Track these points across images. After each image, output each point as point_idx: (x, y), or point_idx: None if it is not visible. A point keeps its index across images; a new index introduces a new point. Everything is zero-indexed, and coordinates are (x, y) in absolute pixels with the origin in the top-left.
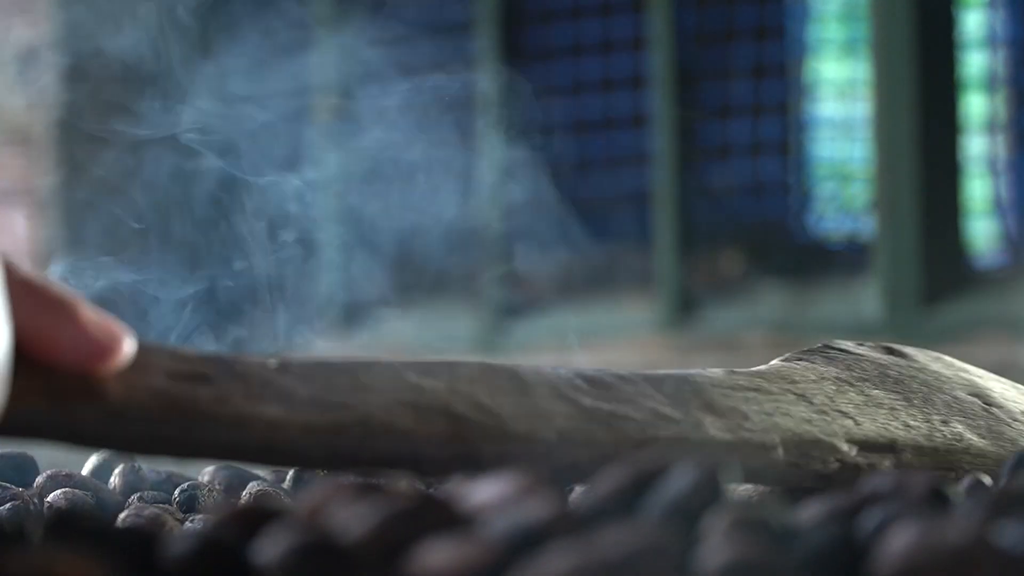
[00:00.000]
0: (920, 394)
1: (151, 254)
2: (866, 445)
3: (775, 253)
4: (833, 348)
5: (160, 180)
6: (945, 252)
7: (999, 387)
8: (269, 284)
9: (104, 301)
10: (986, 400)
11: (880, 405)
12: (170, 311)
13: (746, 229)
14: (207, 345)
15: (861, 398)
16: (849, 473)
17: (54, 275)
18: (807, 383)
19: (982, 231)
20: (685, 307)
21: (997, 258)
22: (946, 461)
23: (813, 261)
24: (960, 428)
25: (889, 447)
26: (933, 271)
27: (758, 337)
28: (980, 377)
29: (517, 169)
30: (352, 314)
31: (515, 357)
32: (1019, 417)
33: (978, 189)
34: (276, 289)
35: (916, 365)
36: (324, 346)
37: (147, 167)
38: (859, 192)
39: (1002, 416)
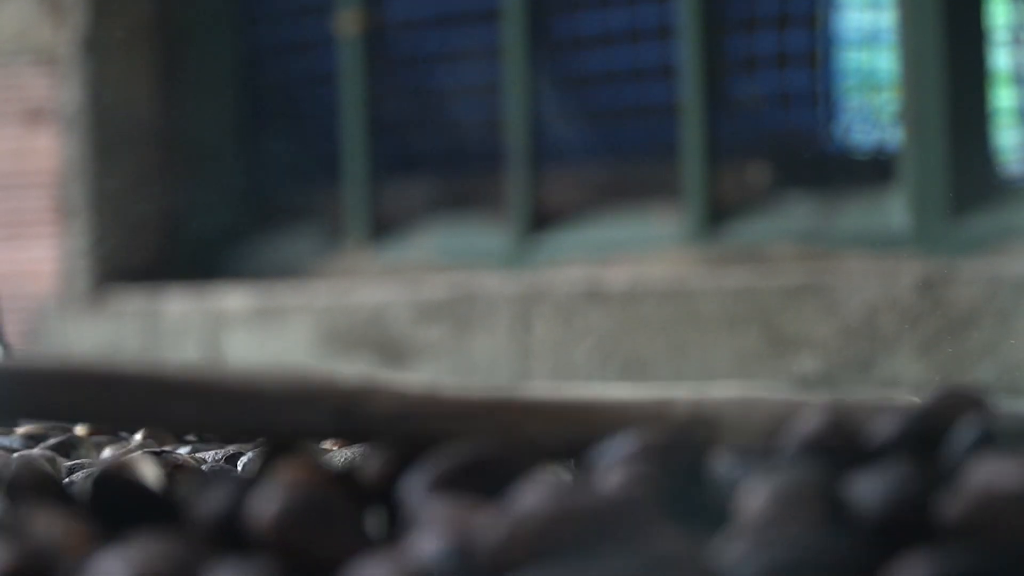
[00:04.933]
0: None
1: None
2: None
3: (802, 164)
4: None
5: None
6: (973, 162)
7: None
8: (296, 203)
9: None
10: None
11: None
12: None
13: (773, 140)
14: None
15: None
16: None
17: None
18: None
19: (1009, 141)
20: (713, 219)
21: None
22: None
23: (840, 172)
24: None
25: None
26: (961, 181)
27: (786, 248)
28: None
29: (544, 82)
30: (380, 229)
31: (543, 271)
32: None
33: (1005, 100)
34: (304, 206)
35: None
36: (352, 261)
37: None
38: (886, 102)
39: None
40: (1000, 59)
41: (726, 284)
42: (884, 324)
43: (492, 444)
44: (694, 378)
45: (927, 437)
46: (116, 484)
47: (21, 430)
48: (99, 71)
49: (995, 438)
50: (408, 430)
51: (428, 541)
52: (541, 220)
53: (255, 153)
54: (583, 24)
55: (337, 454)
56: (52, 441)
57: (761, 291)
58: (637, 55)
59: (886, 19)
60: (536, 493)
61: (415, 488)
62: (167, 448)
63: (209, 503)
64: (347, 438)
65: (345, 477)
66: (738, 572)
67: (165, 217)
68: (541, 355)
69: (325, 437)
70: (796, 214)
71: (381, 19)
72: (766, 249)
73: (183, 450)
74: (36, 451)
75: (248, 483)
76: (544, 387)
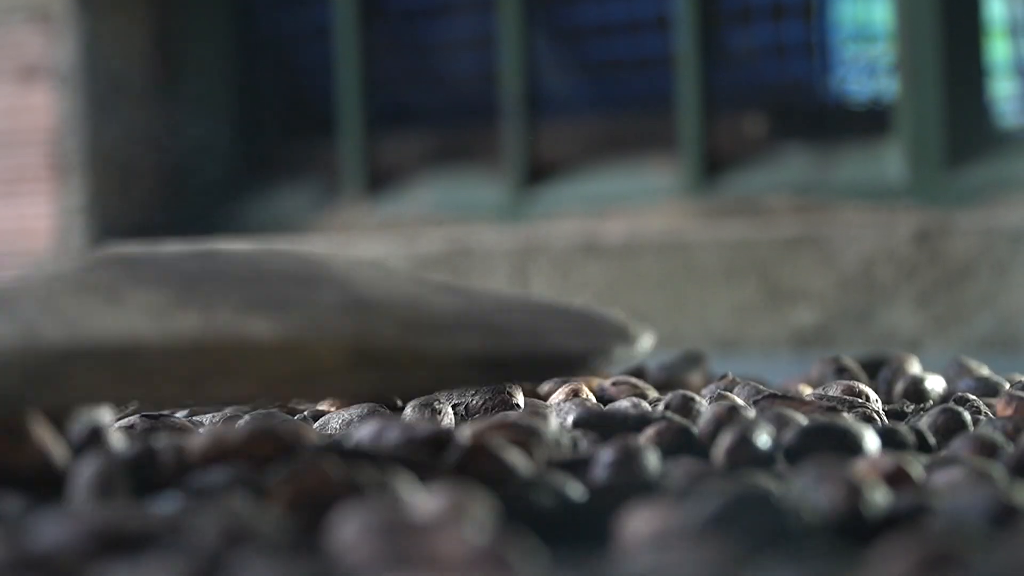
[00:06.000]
0: None
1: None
2: None
3: (798, 116)
4: None
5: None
6: (969, 113)
7: None
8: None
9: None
10: None
11: None
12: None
13: (769, 92)
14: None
15: None
16: None
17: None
18: None
19: (1005, 92)
20: (709, 171)
21: (1020, 119)
22: None
23: (836, 123)
24: None
25: None
26: (957, 132)
27: (782, 200)
28: None
29: (539, 34)
30: (376, 183)
31: (540, 224)
32: None
33: (1000, 51)
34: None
35: None
36: (349, 215)
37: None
38: (882, 53)
39: None
40: (996, 10)
41: (723, 236)
42: (881, 275)
43: None
44: (692, 330)
45: None
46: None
47: None
48: (94, 27)
49: None
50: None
51: None
52: (537, 173)
53: (251, 108)
54: None
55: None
56: None
57: (758, 243)
58: (632, 7)
59: None
60: None
61: None
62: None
63: None
64: None
65: None
66: None
67: (161, 172)
68: None
69: None
70: (792, 166)
71: None
72: (762, 201)
73: (181, 413)
74: None
75: None
76: None
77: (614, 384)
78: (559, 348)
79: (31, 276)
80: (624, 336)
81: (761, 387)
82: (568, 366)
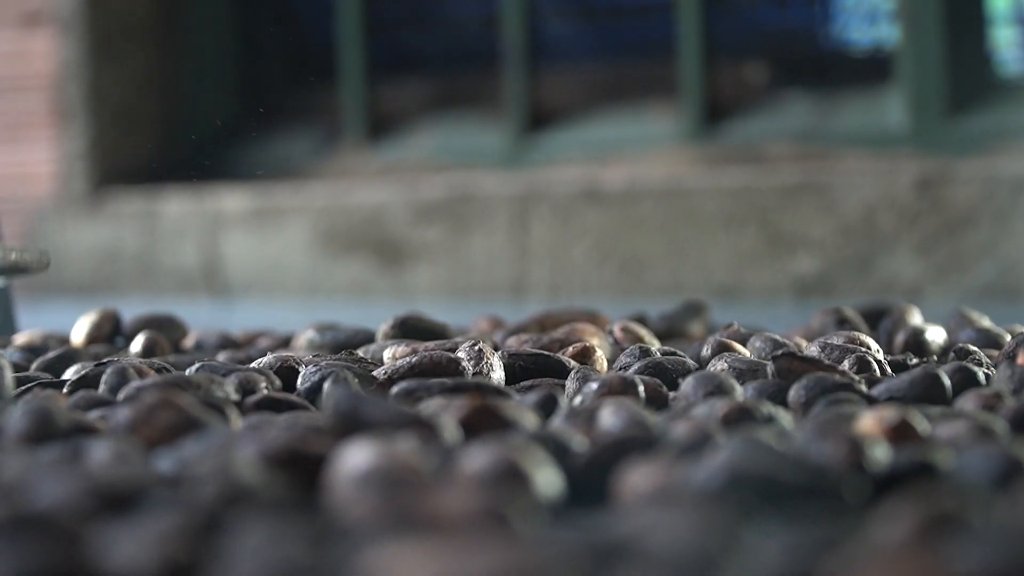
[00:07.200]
0: None
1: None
2: None
3: (800, 63)
4: None
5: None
6: (970, 61)
7: None
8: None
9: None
10: None
11: None
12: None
13: (770, 39)
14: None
15: None
16: None
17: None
18: None
19: (1006, 40)
20: (710, 118)
21: (1021, 67)
22: None
23: (838, 70)
24: None
25: None
26: (958, 80)
27: (783, 147)
28: None
29: None
30: (377, 129)
31: (541, 171)
32: None
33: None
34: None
35: None
36: (350, 161)
37: None
38: (883, 0)
39: None
40: None
41: (724, 183)
42: (882, 223)
43: None
44: (692, 278)
45: None
46: None
47: (19, 341)
48: None
49: None
50: None
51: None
52: (538, 119)
53: (252, 53)
54: None
55: None
56: (51, 355)
57: (759, 190)
58: None
59: None
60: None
61: None
62: (168, 359)
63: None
64: None
65: None
66: None
67: (163, 118)
68: (539, 255)
69: None
70: (793, 113)
71: None
72: (764, 148)
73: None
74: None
75: None
76: None
77: (622, 329)
78: None
79: None
80: None
81: (776, 338)
82: None
